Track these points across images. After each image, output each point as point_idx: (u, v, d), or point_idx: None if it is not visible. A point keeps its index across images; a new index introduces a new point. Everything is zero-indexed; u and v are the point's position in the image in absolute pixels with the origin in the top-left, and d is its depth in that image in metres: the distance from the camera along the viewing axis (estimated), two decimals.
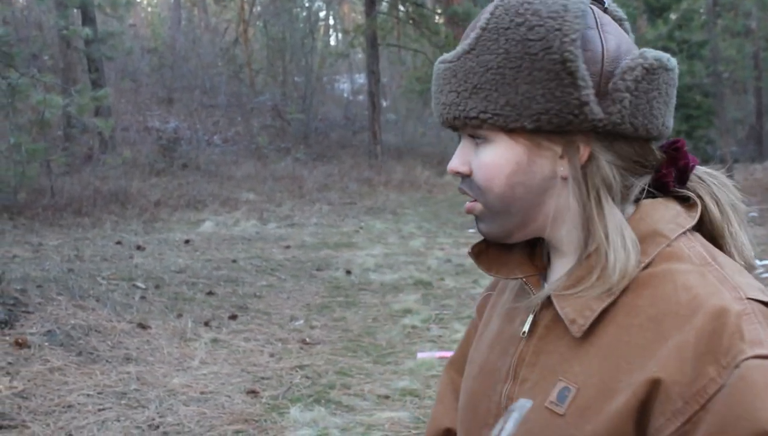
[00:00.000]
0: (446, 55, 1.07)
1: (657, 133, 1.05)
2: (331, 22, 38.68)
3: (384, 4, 23.19)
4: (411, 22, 22.74)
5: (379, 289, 8.26)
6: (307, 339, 6.40)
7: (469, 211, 1.11)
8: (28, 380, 4.99)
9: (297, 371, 5.61)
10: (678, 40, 22.23)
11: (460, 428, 1.21)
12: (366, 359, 5.97)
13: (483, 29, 1.03)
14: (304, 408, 4.87)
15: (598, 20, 1.03)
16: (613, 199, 1.03)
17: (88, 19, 15.55)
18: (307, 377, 5.49)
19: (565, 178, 1.04)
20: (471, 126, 1.04)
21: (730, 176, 1.12)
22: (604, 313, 1.00)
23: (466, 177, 1.09)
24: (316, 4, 31.43)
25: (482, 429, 1.13)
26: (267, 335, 6.46)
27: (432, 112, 1.10)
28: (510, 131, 1.02)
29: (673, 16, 22.44)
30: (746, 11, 23.67)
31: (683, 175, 1.09)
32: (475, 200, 1.09)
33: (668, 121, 1.07)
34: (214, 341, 6.23)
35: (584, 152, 1.02)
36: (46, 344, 5.54)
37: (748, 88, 28.09)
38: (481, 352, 1.21)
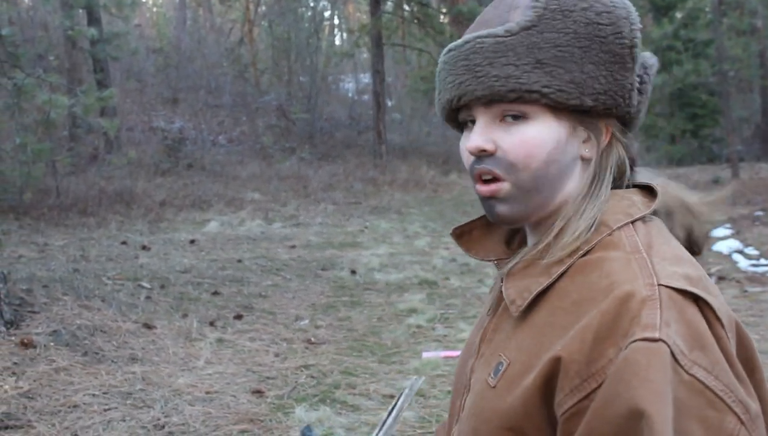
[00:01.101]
0: (494, 30, 1.08)
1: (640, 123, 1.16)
2: (336, 21, 38.70)
3: (389, 3, 23.19)
4: (416, 21, 22.74)
5: (384, 288, 8.26)
6: (312, 339, 6.40)
7: (493, 194, 1.10)
8: (34, 380, 5.00)
9: (302, 371, 5.61)
10: (683, 39, 22.23)
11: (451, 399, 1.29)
12: (371, 358, 5.96)
13: (544, 8, 1.06)
14: (309, 408, 4.87)
15: None
16: (612, 185, 1.11)
17: (93, 20, 15.57)
18: (313, 377, 5.49)
19: (587, 160, 1.10)
20: (523, 100, 1.05)
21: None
22: (542, 295, 1.06)
23: (488, 156, 1.09)
24: (321, 4, 31.45)
25: (456, 400, 1.21)
26: (272, 335, 6.47)
27: (445, 99, 1.12)
28: (557, 109, 1.06)
29: (678, 15, 22.43)
30: (752, 9, 23.61)
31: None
32: (500, 181, 1.09)
33: None
34: (220, 340, 6.23)
35: (606, 137, 1.10)
36: (52, 344, 5.55)
37: (753, 87, 28.04)
38: (472, 330, 1.28)
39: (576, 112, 1.06)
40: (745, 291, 7.88)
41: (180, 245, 10.34)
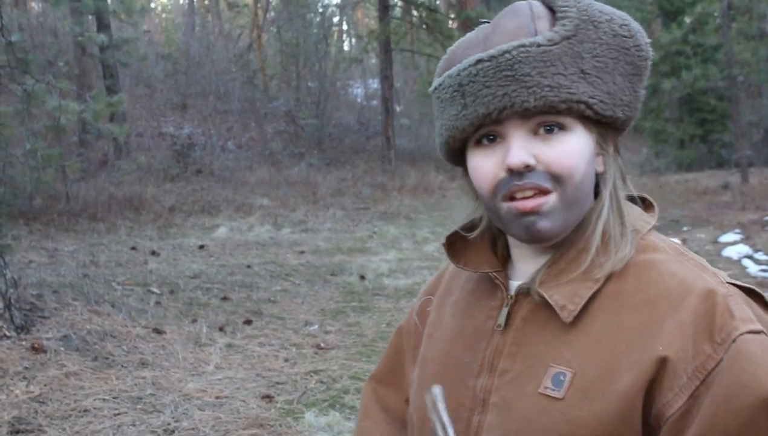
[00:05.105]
0: (535, 39, 1.01)
1: None
2: (345, 27, 38.77)
3: (397, 9, 23.22)
4: (424, 27, 22.74)
5: (393, 294, 8.26)
6: (322, 344, 6.40)
7: (537, 208, 1.03)
8: (45, 385, 5.02)
9: (311, 376, 5.62)
10: (692, 44, 22.20)
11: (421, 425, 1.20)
12: None
13: (579, 18, 1.03)
14: (318, 413, 4.87)
15: None
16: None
17: (103, 26, 15.64)
18: (322, 382, 5.50)
19: (599, 175, 1.10)
20: (570, 111, 1.02)
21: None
22: (590, 300, 1.05)
23: (529, 171, 1.03)
24: (330, 10, 31.51)
25: (455, 424, 1.11)
26: (281, 340, 6.47)
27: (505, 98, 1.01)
28: (588, 121, 1.05)
29: (687, 20, 22.39)
30: (761, 14, 23.55)
31: None
32: (545, 194, 1.03)
33: None
34: (229, 345, 6.24)
35: (612, 147, 1.10)
36: (62, 349, 5.57)
37: (763, 92, 27.95)
38: (439, 350, 1.22)
39: (599, 124, 1.06)
40: None
41: (189, 251, 10.36)
